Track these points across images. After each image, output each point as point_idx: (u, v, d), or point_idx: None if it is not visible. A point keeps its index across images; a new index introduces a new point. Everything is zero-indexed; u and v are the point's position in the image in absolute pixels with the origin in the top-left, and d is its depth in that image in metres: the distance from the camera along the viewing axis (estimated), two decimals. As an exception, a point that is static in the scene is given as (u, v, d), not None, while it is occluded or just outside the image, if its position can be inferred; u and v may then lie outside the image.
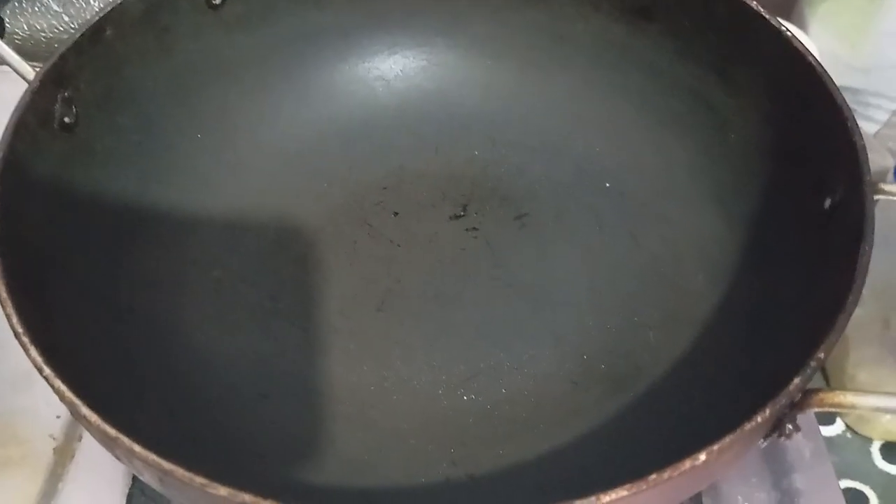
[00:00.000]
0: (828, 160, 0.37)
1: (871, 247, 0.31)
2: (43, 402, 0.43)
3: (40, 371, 0.27)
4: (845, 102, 0.37)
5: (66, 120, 0.39)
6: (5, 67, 0.40)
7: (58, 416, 0.43)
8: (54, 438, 0.42)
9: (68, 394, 0.26)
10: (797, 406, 0.28)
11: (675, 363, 0.40)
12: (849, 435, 0.57)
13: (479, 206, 0.47)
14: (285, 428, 0.38)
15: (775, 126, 0.42)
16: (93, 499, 0.41)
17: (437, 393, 0.40)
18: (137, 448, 0.25)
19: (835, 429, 0.57)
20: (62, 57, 0.39)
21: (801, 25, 0.65)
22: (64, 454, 0.42)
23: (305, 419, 0.39)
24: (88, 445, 0.42)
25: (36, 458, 0.41)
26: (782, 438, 0.29)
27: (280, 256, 0.45)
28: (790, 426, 0.28)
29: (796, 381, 0.27)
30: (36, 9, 0.61)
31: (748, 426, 0.26)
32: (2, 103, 0.38)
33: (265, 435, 0.37)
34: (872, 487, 0.53)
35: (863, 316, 0.54)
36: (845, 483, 0.53)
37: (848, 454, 0.55)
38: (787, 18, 0.65)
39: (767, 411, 0.26)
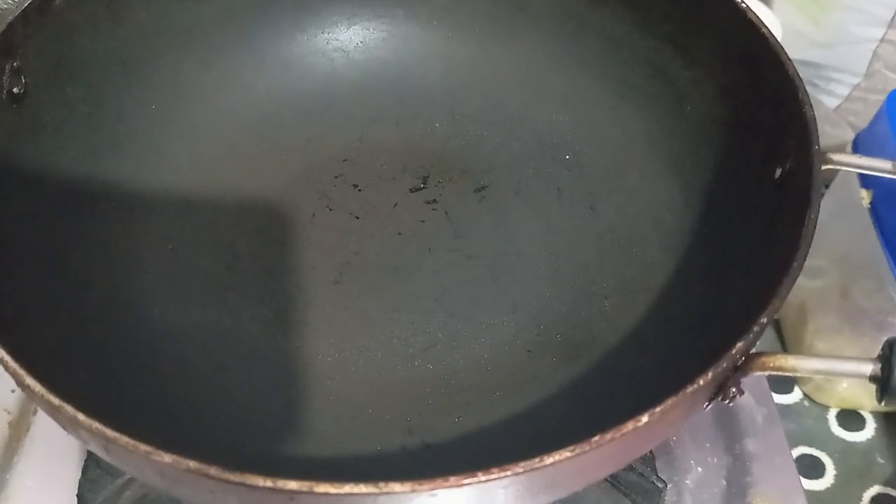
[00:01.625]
0: (779, 130, 0.38)
1: (816, 214, 0.32)
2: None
3: (-17, 343, 0.27)
4: (797, 73, 0.37)
5: (15, 90, 0.39)
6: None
7: (12, 391, 0.42)
8: (8, 412, 0.42)
9: (12, 363, 0.26)
10: (740, 369, 0.28)
11: (630, 331, 0.40)
12: (806, 403, 0.58)
13: (439, 178, 0.47)
14: (240, 399, 0.38)
15: (730, 97, 0.42)
16: (48, 471, 0.40)
17: (394, 363, 0.40)
18: (81, 417, 0.25)
19: (793, 397, 0.58)
20: (10, 26, 0.38)
21: (766, 0, 0.66)
22: (19, 428, 0.42)
23: (261, 391, 0.38)
24: (43, 419, 0.42)
25: (-10, 432, 0.41)
26: (727, 402, 0.29)
27: (237, 229, 0.44)
28: (734, 389, 0.29)
29: (739, 344, 0.28)
30: (-13, -22, 0.59)
31: (690, 388, 0.26)
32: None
33: (220, 406, 0.37)
34: (829, 454, 0.55)
35: (821, 286, 0.55)
36: (802, 450, 0.55)
37: (805, 421, 0.56)
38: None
39: (710, 374, 0.27)
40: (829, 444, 0.55)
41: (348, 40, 0.50)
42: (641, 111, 0.47)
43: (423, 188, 0.47)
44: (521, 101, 0.50)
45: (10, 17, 0.38)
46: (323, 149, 0.48)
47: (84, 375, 0.35)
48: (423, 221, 0.46)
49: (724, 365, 0.27)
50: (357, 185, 0.47)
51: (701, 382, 0.26)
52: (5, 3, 0.60)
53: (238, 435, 0.37)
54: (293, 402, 0.39)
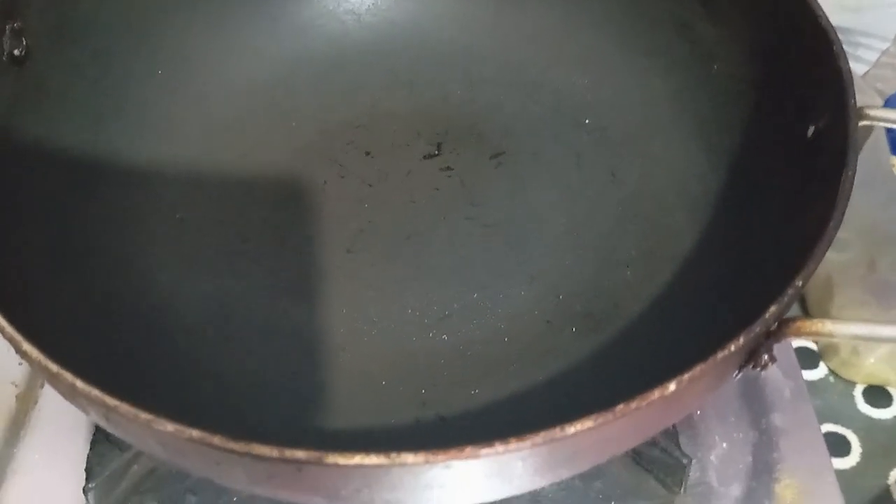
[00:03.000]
0: (812, 87, 0.36)
1: (853, 172, 0.30)
2: (3, 349, 0.41)
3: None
4: (831, 26, 0.35)
5: (16, 52, 0.37)
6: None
7: (19, 363, 0.42)
8: (16, 385, 0.41)
9: (8, 329, 0.25)
10: (773, 335, 0.27)
11: (654, 300, 0.39)
12: (832, 379, 0.56)
13: (454, 144, 0.46)
14: (251, 370, 0.37)
15: (760, 55, 0.40)
16: (55, 445, 0.40)
17: (408, 334, 0.39)
18: (79, 384, 0.24)
19: (818, 372, 0.56)
20: (10, -15, 0.37)
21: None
22: (26, 401, 0.41)
23: (272, 361, 0.37)
24: (51, 392, 0.41)
25: (-3, 404, 0.40)
26: (758, 370, 0.28)
27: (247, 197, 0.43)
28: (766, 357, 0.27)
29: (772, 308, 0.26)
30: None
31: (721, 354, 0.25)
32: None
33: (230, 377, 0.36)
34: (854, 431, 0.53)
35: (848, 258, 0.54)
36: (827, 427, 0.53)
37: (831, 398, 0.55)
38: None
39: (741, 339, 0.25)
40: (855, 420, 0.53)
41: (359, 2, 0.49)
42: (665, 73, 0.45)
43: (438, 155, 0.45)
44: (539, 65, 0.48)
45: (11, -23, 0.37)
46: (335, 114, 0.46)
47: (90, 345, 0.34)
48: (438, 189, 0.44)
49: (758, 330, 0.25)
50: (370, 152, 0.45)
51: (732, 348, 0.25)
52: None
53: (248, 406, 0.36)
54: (305, 374, 0.38)
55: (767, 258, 0.35)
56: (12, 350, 0.39)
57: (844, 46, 0.65)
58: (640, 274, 0.40)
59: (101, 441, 0.39)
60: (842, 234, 0.29)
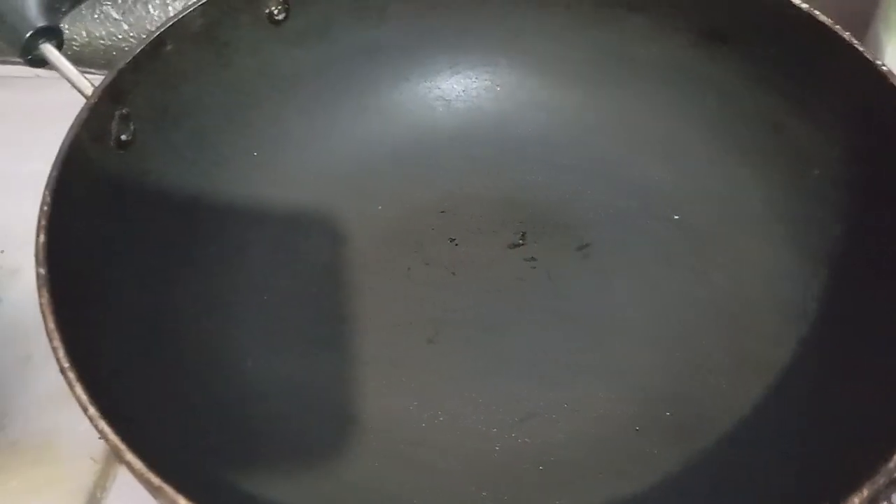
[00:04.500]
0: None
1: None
2: (85, 422, 0.42)
3: (84, 410, 0.26)
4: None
5: (123, 137, 0.38)
6: (56, 74, 0.39)
7: (100, 437, 0.42)
8: (95, 461, 0.41)
9: (112, 437, 0.25)
10: (894, 484, 0.25)
11: (747, 413, 0.37)
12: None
13: (539, 234, 0.45)
14: (328, 462, 0.36)
15: (862, 161, 0.39)
16: (133, 525, 0.39)
17: (489, 434, 0.38)
18: (182, 501, 0.24)
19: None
20: (120, 72, 0.38)
21: (877, 48, 0.62)
22: (105, 476, 0.41)
23: (350, 455, 0.37)
24: (130, 469, 0.41)
25: (76, 479, 0.40)
26: (875, 516, 0.26)
27: (331, 281, 0.43)
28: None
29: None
30: (95, 17, 0.60)
31: (842, 507, 0.24)
32: (53, 111, 0.37)
33: (306, 470, 0.36)
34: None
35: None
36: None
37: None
38: (861, 40, 0.62)
39: (864, 492, 0.24)
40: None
41: (450, 89, 0.49)
42: (757, 171, 0.44)
43: (522, 244, 0.45)
44: (625, 155, 0.48)
45: (121, 64, 0.38)
46: (419, 199, 0.46)
47: (174, 434, 0.34)
48: (521, 279, 0.44)
49: (881, 481, 0.24)
50: (454, 239, 0.45)
51: (856, 501, 0.23)
52: (111, 39, 0.61)
53: (326, 501, 0.35)
54: (382, 469, 0.37)
55: (875, 379, 0.33)
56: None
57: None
58: (732, 382, 0.39)
59: (177, 524, 0.38)
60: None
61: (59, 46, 0.40)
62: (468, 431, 0.38)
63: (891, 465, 0.24)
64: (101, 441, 0.42)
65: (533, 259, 0.45)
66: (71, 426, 0.42)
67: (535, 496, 0.36)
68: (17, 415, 0.42)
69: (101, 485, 0.41)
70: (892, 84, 0.37)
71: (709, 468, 0.36)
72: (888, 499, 0.26)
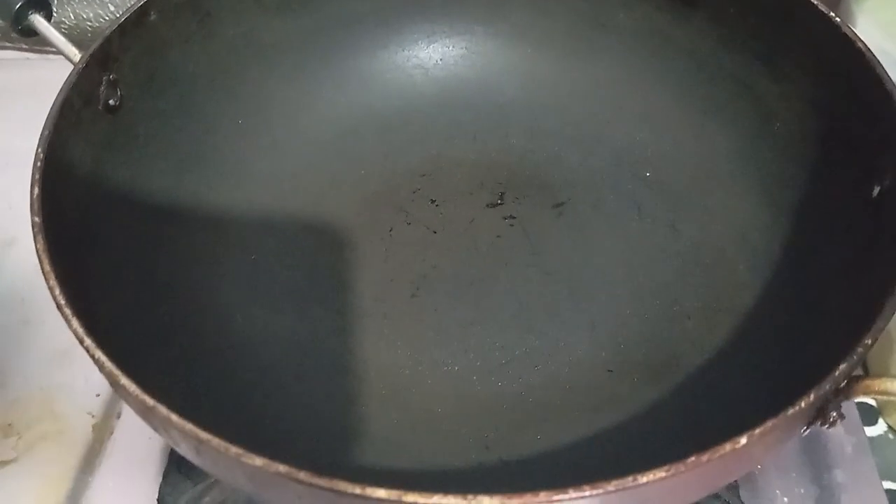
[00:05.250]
0: (876, 147, 0.36)
1: (921, 233, 0.30)
2: (82, 380, 0.43)
3: (81, 342, 0.27)
4: (895, 87, 0.36)
5: (111, 102, 0.40)
6: (52, 56, 0.40)
7: (97, 395, 0.43)
8: (93, 416, 0.43)
9: (108, 364, 0.27)
10: (842, 392, 0.27)
11: (714, 353, 0.39)
12: (891, 435, 0.55)
13: (517, 194, 0.47)
14: (317, 409, 0.38)
15: (822, 113, 0.41)
16: (129, 475, 0.41)
17: (471, 378, 0.40)
18: (175, 417, 0.25)
19: (877, 429, 0.55)
20: (107, 39, 0.39)
21: (848, 20, 0.64)
22: (102, 431, 0.43)
23: (339, 401, 0.39)
24: (126, 423, 0.43)
25: (74, 435, 0.42)
26: (825, 427, 0.28)
27: (316, 240, 0.45)
28: (834, 414, 0.28)
29: (842, 366, 0.26)
30: (82, -2, 0.62)
31: (791, 411, 0.25)
32: (42, 90, 0.38)
33: (297, 415, 0.38)
34: (913, 488, 0.52)
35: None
36: (886, 485, 0.52)
37: (889, 455, 0.54)
38: (834, 12, 0.64)
39: (812, 396, 0.26)
40: (915, 478, 0.52)
41: (428, 57, 0.51)
42: (726, 128, 0.46)
43: (501, 204, 0.47)
44: (600, 118, 0.49)
45: (108, 31, 0.40)
46: (401, 164, 0.48)
47: (169, 379, 0.35)
48: (500, 237, 0.45)
49: (828, 387, 0.26)
50: (434, 200, 0.47)
51: (802, 405, 0.25)
52: (98, 21, 0.63)
53: (316, 443, 0.37)
54: (370, 414, 0.39)
55: (831, 314, 0.35)
56: (89, 381, 0.41)
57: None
58: (701, 326, 0.41)
59: (173, 472, 0.40)
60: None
61: (49, 17, 0.42)
62: (451, 376, 0.40)
63: (836, 373, 0.26)
64: (98, 397, 0.43)
65: (511, 217, 0.46)
66: (69, 384, 0.43)
67: (514, 434, 0.37)
68: (17, 374, 0.44)
69: (98, 438, 0.42)
70: (846, 36, 0.38)
71: (678, 404, 0.38)
72: (837, 409, 0.27)
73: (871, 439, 0.54)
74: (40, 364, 0.44)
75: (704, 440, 0.26)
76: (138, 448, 0.42)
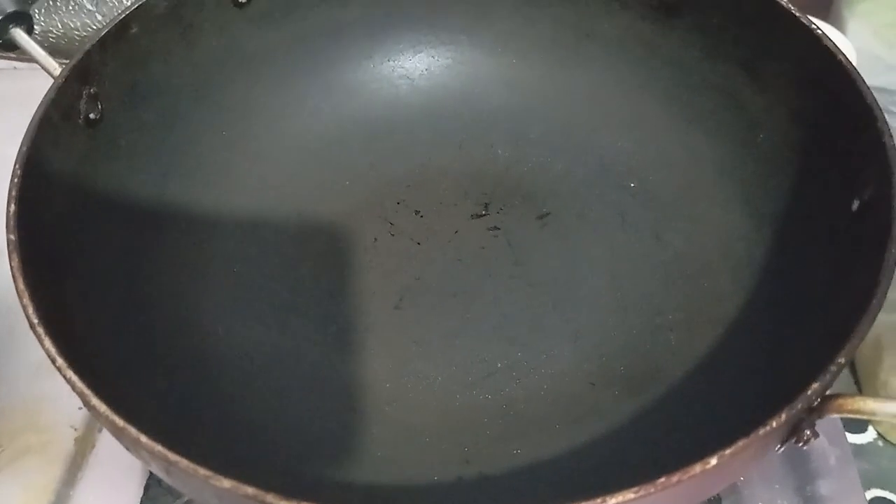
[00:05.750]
0: (856, 160, 0.36)
1: (897, 248, 0.30)
2: (65, 392, 0.43)
3: (53, 361, 0.27)
4: (875, 101, 0.36)
5: (91, 116, 0.40)
6: (35, 66, 0.40)
7: (80, 408, 0.43)
8: (75, 429, 0.43)
9: (79, 384, 0.27)
10: (815, 411, 0.27)
11: (696, 365, 0.39)
12: (880, 443, 0.55)
13: (501, 204, 0.47)
14: (299, 423, 0.38)
15: (804, 125, 0.41)
16: (111, 488, 0.41)
17: (452, 391, 0.40)
18: (143, 438, 0.25)
19: (866, 437, 0.55)
20: (87, 53, 0.39)
21: (839, 25, 0.64)
22: (84, 444, 0.43)
23: (319, 414, 0.39)
24: (108, 437, 0.43)
25: (56, 447, 0.42)
26: (800, 445, 0.28)
27: (300, 251, 0.45)
28: (808, 432, 0.27)
29: (814, 385, 0.26)
30: (70, 7, 0.62)
31: (762, 431, 0.25)
32: (30, 100, 0.38)
33: (279, 429, 0.38)
34: (904, 497, 0.52)
35: (897, 321, 0.53)
36: (875, 492, 0.52)
37: (879, 462, 0.54)
38: (825, 18, 0.64)
39: (783, 416, 0.25)
40: (905, 486, 0.52)
41: (413, 67, 0.51)
42: (710, 138, 0.46)
43: (485, 214, 0.47)
44: (585, 127, 0.49)
45: (88, 45, 0.40)
46: (386, 174, 0.48)
47: (148, 394, 0.36)
48: (484, 248, 0.45)
49: (799, 406, 0.26)
50: (419, 211, 0.47)
51: (773, 425, 0.25)
52: (86, 30, 0.63)
53: (296, 458, 0.37)
54: (351, 427, 0.39)
55: (812, 327, 0.35)
56: (72, 394, 0.41)
57: (893, 108, 0.65)
58: (683, 338, 0.40)
59: (154, 486, 0.40)
60: (892, 294, 0.29)
61: (29, 31, 0.42)
62: (433, 389, 0.40)
63: (808, 392, 0.26)
64: (81, 410, 0.43)
65: (496, 228, 0.46)
66: (53, 396, 0.43)
67: (495, 447, 0.37)
68: (1, 384, 0.44)
69: (81, 452, 0.42)
70: (827, 48, 0.38)
71: (659, 417, 0.38)
72: (811, 427, 0.27)
73: (861, 447, 0.54)
74: (26, 374, 0.44)
75: (684, 456, 0.26)
76: (120, 462, 0.42)
